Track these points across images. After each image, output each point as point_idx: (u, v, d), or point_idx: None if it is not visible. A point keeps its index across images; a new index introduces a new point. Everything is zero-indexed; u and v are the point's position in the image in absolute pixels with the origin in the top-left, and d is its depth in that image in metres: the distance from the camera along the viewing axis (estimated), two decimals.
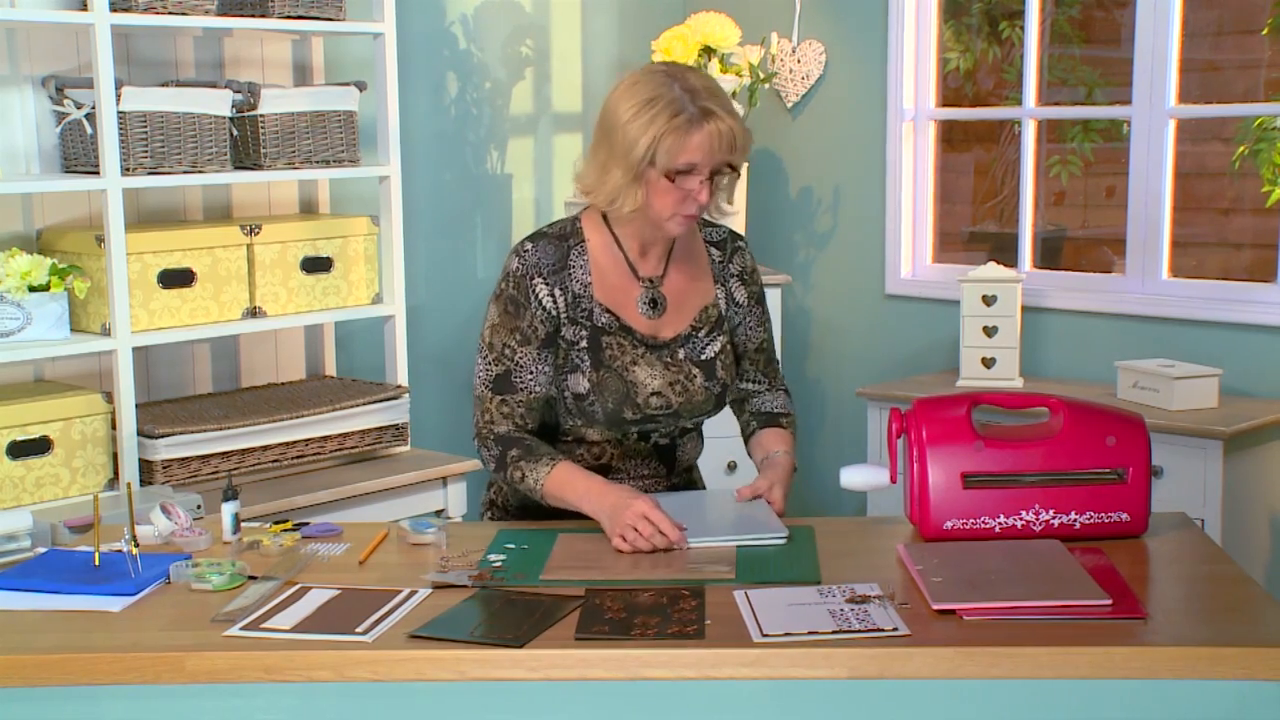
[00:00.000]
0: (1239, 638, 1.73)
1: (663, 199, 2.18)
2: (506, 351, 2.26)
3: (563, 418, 2.30)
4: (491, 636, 1.77)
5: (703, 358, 2.32)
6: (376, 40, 3.44)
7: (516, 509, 2.39)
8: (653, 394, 2.27)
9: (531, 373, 2.26)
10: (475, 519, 3.71)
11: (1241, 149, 4.87)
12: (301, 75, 3.57)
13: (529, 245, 2.28)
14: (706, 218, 2.33)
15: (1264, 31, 4.95)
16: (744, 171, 3.98)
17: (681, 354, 2.31)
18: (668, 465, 2.37)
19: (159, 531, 2.17)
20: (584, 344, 2.26)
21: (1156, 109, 3.66)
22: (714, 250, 2.39)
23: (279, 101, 3.24)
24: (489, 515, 2.46)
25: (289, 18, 3.24)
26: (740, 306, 2.39)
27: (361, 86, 3.41)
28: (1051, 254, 5.61)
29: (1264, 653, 1.68)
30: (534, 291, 2.24)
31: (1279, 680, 1.68)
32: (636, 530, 2.09)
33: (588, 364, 2.26)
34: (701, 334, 2.33)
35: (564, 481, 2.21)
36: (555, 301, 2.25)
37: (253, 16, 3.21)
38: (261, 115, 3.21)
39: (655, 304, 2.31)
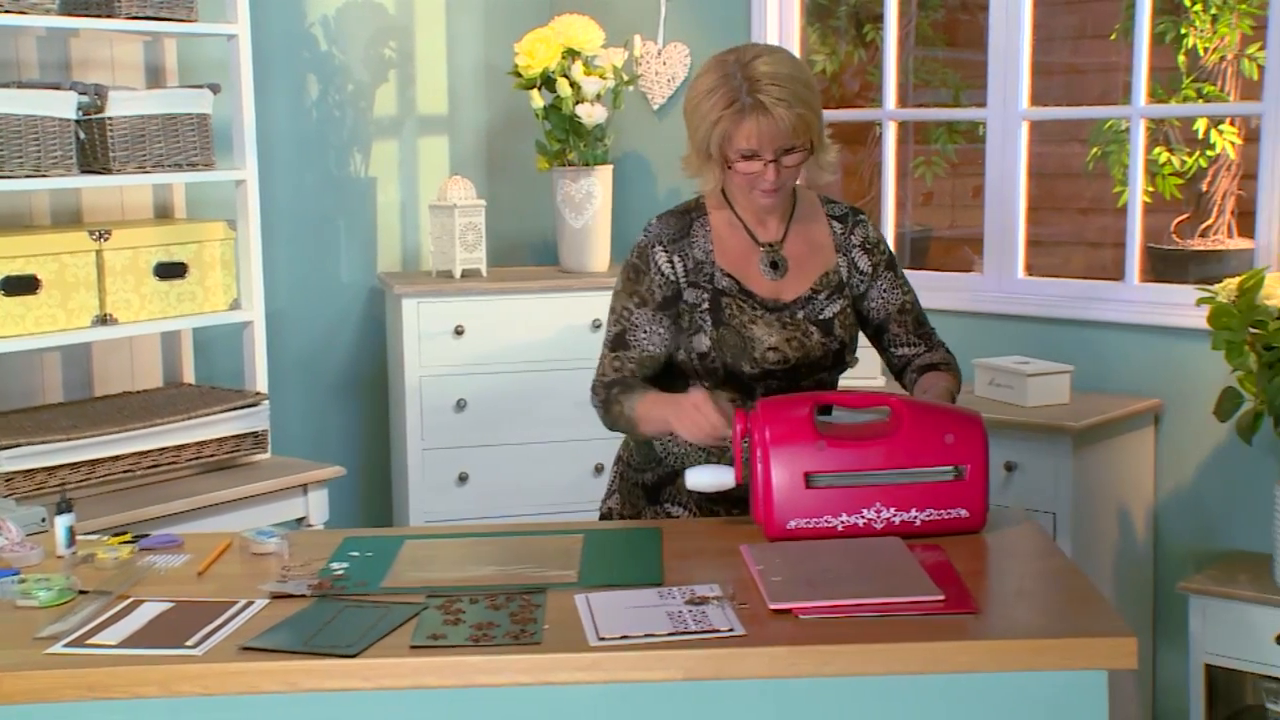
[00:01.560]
0: (1062, 630, 1.77)
1: (734, 178, 2.36)
2: (624, 313, 2.42)
3: (691, 382, 2.40)
4: (325, 646, 1.75)
5: (821, 317, 2.43)
6: (230, 42, 3.38)
7: (640, 464, 2.50)
8: (769, 349, 2.38)
9: (645, 332, 2.40)
10: (337, 525, 3.69)
11: (1095, 150, 4.99)
12: (154, 77, 3.50)
13: (654, 220, 2.46)
14: (830, 197, 2.52)
15: (1112, 36, 5.09)
16: (608, 175, 4.02)
17: (800, 315, 2.42)
18: None
19: None
20: (705, 306, 2.39)
21: (1010, 111, 3.74)
22: (836, 224, 2.50)
23: (128, 104, 3.17)
24: (615, 468, 2.58)
25: (136, 18, 3.17)
26: (865, 274, 2.49)
27: (215, 89, 3.36)
28: (919, 253, 5.71)
29: (1084, 643, 1.72)
30: (654, 259, 2.41)
31: (1098, 670, 1.73)
32: (679, 406, 2.24)
33: (709, 324, 2.38)
34: (821, 297, 2.44)
35: (654, 400, 2.33)
36: (674, 268, 2.40)
37: (98, 17, 3.14)
38: (110, 118, 3.14)
39: (776, 266, 2.43)
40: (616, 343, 2.42)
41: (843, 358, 2.46)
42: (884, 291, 2.51)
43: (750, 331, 2.39)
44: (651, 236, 2.44)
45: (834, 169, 2.45)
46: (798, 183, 2.48)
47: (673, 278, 2.40)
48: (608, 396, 2.40)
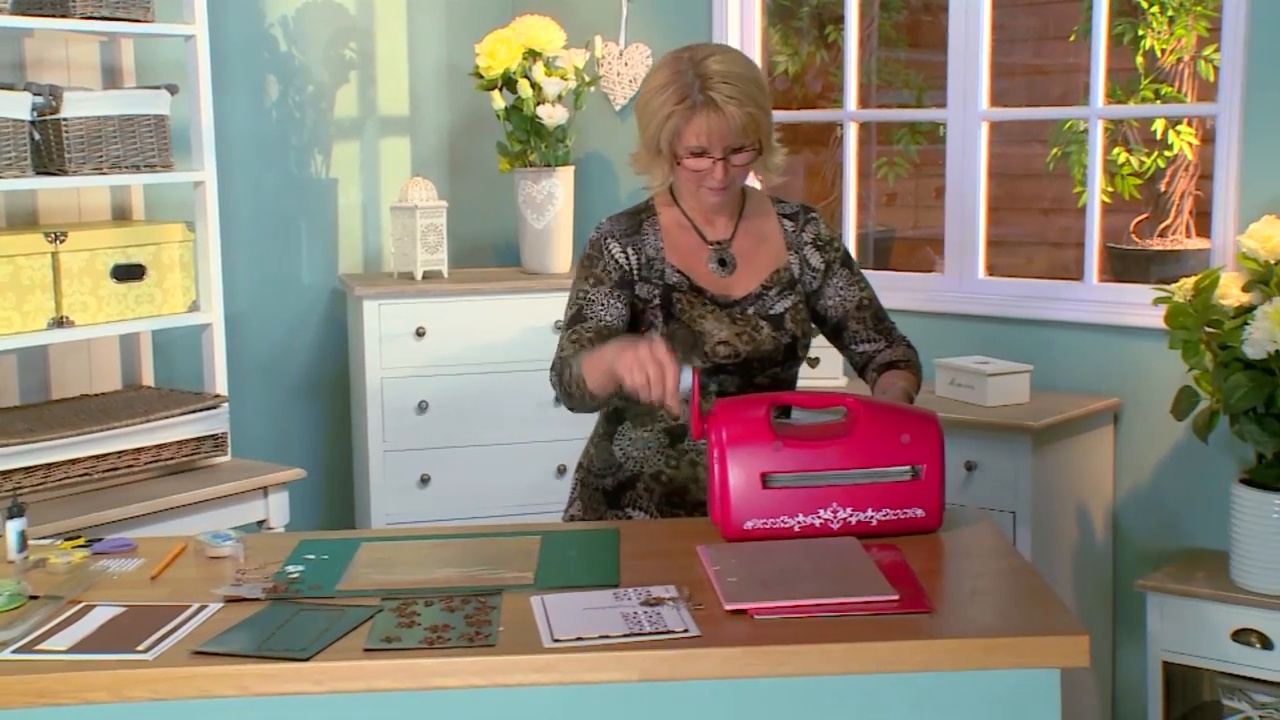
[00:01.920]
0: (1014, 629, 1.78)
1: (684, 175, 2.37)
2: (580, 294, 2.41)
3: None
4: (278, 650, 1.74)
5: (771, 312, 2.43)
6: (188, 43, 3.36)
7: (600, 469, 2.48)
8: (720, 343, 2.38)
9: (602, 305, 2.39)
10: (298, 528, 3.67)
11: (1055, 151, 5.02)
12: (111, 78, 3.47)
13: (605, 220, 2.48)
14: (780, 196, 2.53)
15: (1071, 38, 5.11)
16: (570, 176, 4.01)
17: (751, 310, 2.42)
18: None
19: None
20: (656, 301, 2.40)
21: (970, 112, 3.75)
22: (787, 221, 2.51)
23: (84, 105, 3.15)
24: (576, 475, 2.56)
25: (91, 18, 3.15)
26: (817, 271, 2.49)
27: (173, 90, 3.33)
28: (882, 254, 5.73)
29: (1036, 641, 1.73)
30: (608, 249, 2.42)
31: (1050, 668, 1.74)
32: (635, 352, 2.13)
33: (660, 319, 2.39)
34: (772, 293, 2.44)
35: (601, 350, 2.26)
36: (628, 259, 2.41)
37: (52, 16, 3.12)
38: (65, 119, 3.12)
39: (724, 263, 2.44)
40: (574, 320, 2.41)
41: (795, 352, 2.46)
42: (840, 289, 2.51)
43: (701, 326, 2.39)
44: (603, 232, 2.45)
45: (781, 171, 2.46)
46: (752, 183, 2.49)
47: (626, 266, 2.41)
48: (560, 369, 2.37)
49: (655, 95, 2.33)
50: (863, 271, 2.58)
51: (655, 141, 2.35)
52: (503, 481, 3.84)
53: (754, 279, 2.45)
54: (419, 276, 3.88)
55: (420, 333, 3.77)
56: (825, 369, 3.73)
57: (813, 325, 2.52)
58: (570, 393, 2.35)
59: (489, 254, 4.41)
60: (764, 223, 2.50)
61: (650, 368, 2.12)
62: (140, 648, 1.74)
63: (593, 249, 2.45)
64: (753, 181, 2.50)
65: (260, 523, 3.36)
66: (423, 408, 3.79)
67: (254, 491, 3.34)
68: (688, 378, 2.15)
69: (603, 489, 2.49)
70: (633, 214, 2.48)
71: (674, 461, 2.42)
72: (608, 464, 2.48)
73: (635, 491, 2.45)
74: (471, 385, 3.82)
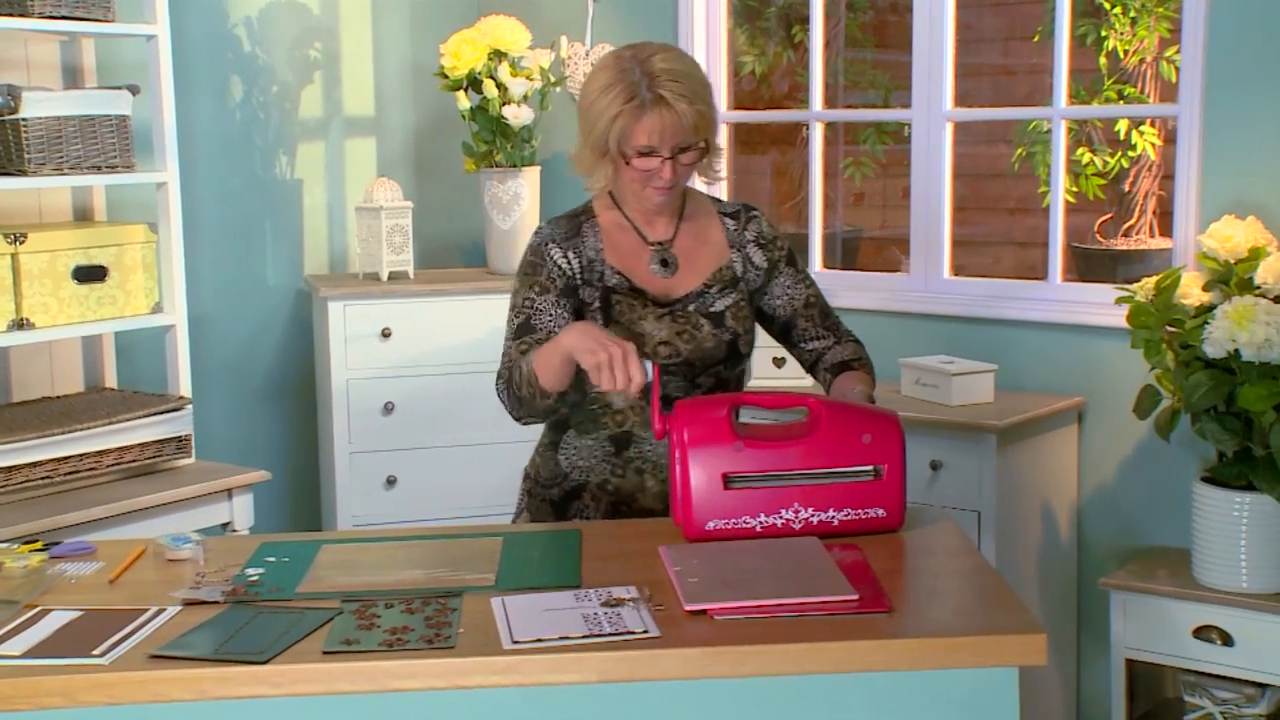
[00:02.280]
0: (973, 628, 1.79)
1: (629, 175, 2.34)
2: (526, 304, 2.39)
3: (588, 385, 2.31)
4: (236, 653, 1.73)
5: (712, 310, 2.41)
6: (150, 42, 3.34)
7: (547, 480, 2.46)
8: (660, 343, 2.37)
9: (550, 315, 2.37)
10: (264, 531, 3.65)
11: (1020, 151, 5.05)
12: (72, 78, 3.45)
13: (544, 224, 2.46)
14: (720, 197, 2.47)
15: (1035, 39, 5.14)
16: (536, 176, 4.01)
17: (692, 308, 2.41)
18: None
19: None
20: (596, 304, 2.38)
21: (934, 112, 3.77)
22: (729, 220, 2.50)
23: (44, 105, 3.13)
24: (523, 486, 2.54)
25: (51, 18, 3.12)
26: (760, 269, 2.47)
27: (134, 90, 3.31)
28: (850, 254, 5.75)
29: (994, 640, 1.74)
30: (550, 255, 2.40)
31: (1008, 666, 1.74)
32: (609, 354, 2.12)
33: (600, 322, 2.37)
34: (713, 291, 2.43)
35: (544, 347, 2.27)
36: (570, 263, 2.39)
37: (10, 16, 3.09)
38: (25, 119, 3.09)
39: (666, 263, 2.42)
40: (520, 330, 2.38)
41: (737, 350, 2.43)
42: (787, 287, 2.49)
43: (640, 328, 2.37)
44: (544, 236, 2.43)
45: (722, 172, 2.45)
46: (702, 185, 2.48)
47: (569, 271, 2.39)
48: (510, 375, 2.35)
49: (601, 96, 2.30)
50: (812, 270, 2.56)
51: (602, 142, 2.32)
52: (470, 482, 3.83)
53: (696, 278, 2.43)
54: (385, 277, 3.87)
55: (386, 334, 3.76)
56: (792, 368, 3.73)
57: (756, 324, 2.50)
58: (520, 396, 2.32)
59: (455, 254, 4.40)
60: (705, 222, 2.48)
61: (613, 348, 2.13)
62: (96, 652, 1.73)
63: (534, 255, 2.42)
64: (697, 183, 2.50)
65: (225, 525, 3.34)
66: (389, 409, 3.78)
67: (218, 494, 3.32)
68: (648, 371, 2.16)
69: (549, 499, 2.46)
70: (572, 217, 2.46)
71: (620, 470, 2.40)
72: (554, 474, 2.46)
73: (582, 501, 2.43)
74: (438, 386, 3.81)
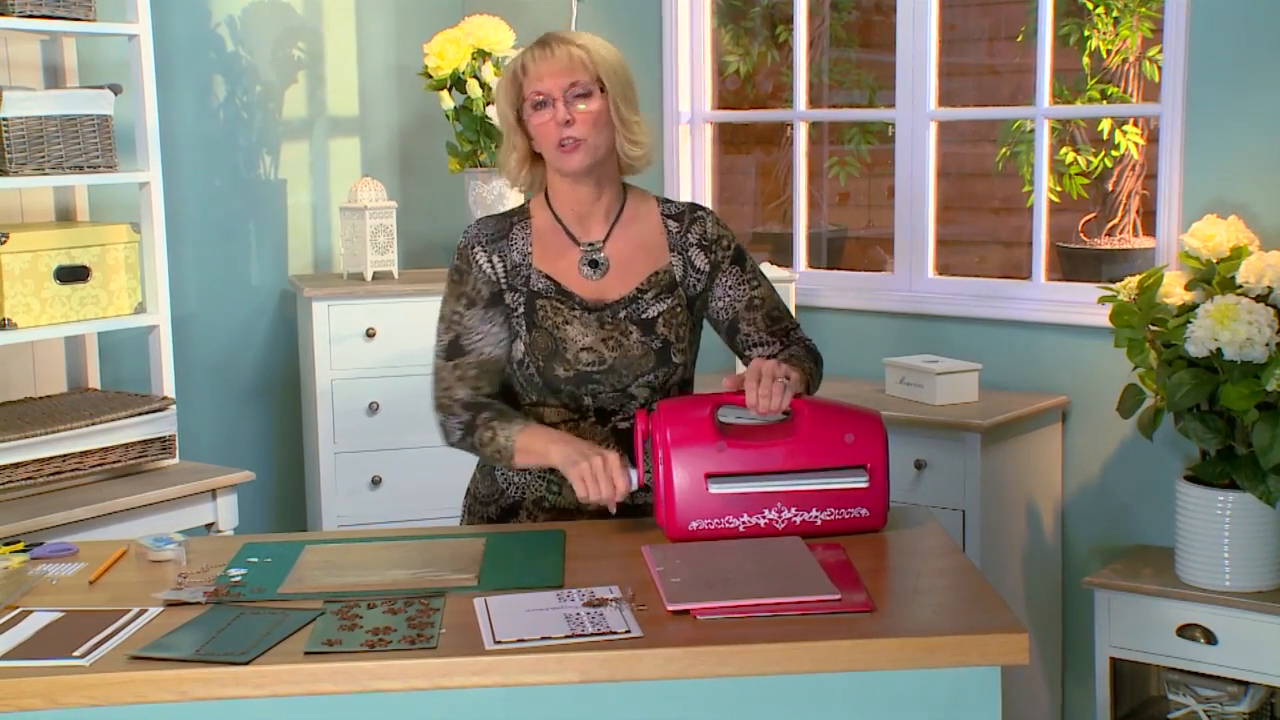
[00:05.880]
0: (955, 627, 1.79)
1: (540, 136, 2.31)
2: (454, 318, 2.36)
3: (520, 395, 2.35)
4: (217, 654, 1.73)
5: (644, 316, 2.35)
6: (131, 42, 3.33)
7: (485, 497, 2.44)
8: (583, 349, 2.31)
9: (480, 334, 2.34)
10: (248, 531, 3.64)
11: (1004, 150, 5.06)
12: (53, 77, 3.44)
13: (474, 224, 2.41)
14: (668, 197, 2.49)
15: (1018, 38, 5.15)
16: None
17: (622, 314, 2.35)
18: (630, 453, 2.30)
19: None
20: (521, 310, 2.34)
21: (919, 112, 3.77)
22: (671, 222, 2.42)
23: (25, 104, 3.12)
24: (464, 502, 2.52)
25: (32, 16, 3.11)
26: (702, 273, 2.39)
27: (116, 89, 3.30)
28: (835, 253, 5.75)
29: (976, 639, 1.74)
30: (475, 259, 2.36)
31: (990, 665, 1.75)
32: (590, 465, 2.15)
33: (524, 328, 2.33)
34: (648, 296, 2.36)
35: (537, 432, 2.27)
36: (494, 268, 2.35)
37: None
38: (5, 119, 3.08)
39: (596, 264, 2.37)
40: (451, 350, 2.35)
41: (669, 357, 2.34)
42: (729, 288, 2.40)
43: (564, 333, 2.32)
44: (470, 238, 2.38)
45: (647, 153, 2.37)
46: (642, 189, 2.44)
47: (494, 276, 2.35)
48: (474, 420, 2.31)
49: (505, 74, 2.35)
50: (761, 270, 2.44)
51: (513, 114, 2.33)
52: (454, 483, 3.79)
53: (629, 282, 2.36)
54: (369, 277, 3.86)
55: (370, 334, 3.75)
56: None
57: (703, 330, 2.44)
58: (481, 454, 2.34)
59: (439, 254, 4.39)
60: (644, 224, 2.40)
61: (594, 459, 2.17)
62: (77, 653, 1.73)
63: (460, 259, 2.37)
64: (638, 183, 2.46)
65: (209, 526, 3.34)
66: (373, 409, 3.77)
67: (202, 494, 3.32)
68: (633, 479, 2.18)
69: (487, 516, 2.43)
70: (503, 217, 2.41)
71: (556, 487, 2.36)
72: (491, 491, 2.43)
73: (519, 519, 2.39)
74: (422, 386, 3.74)
